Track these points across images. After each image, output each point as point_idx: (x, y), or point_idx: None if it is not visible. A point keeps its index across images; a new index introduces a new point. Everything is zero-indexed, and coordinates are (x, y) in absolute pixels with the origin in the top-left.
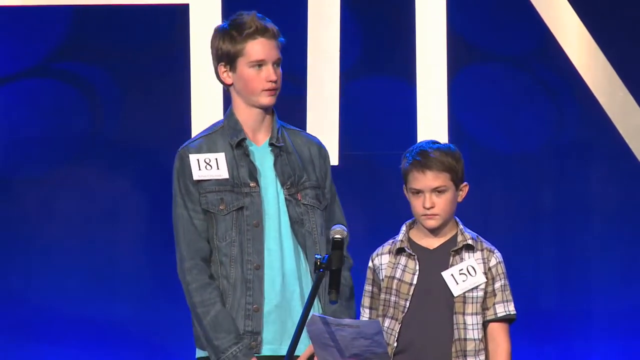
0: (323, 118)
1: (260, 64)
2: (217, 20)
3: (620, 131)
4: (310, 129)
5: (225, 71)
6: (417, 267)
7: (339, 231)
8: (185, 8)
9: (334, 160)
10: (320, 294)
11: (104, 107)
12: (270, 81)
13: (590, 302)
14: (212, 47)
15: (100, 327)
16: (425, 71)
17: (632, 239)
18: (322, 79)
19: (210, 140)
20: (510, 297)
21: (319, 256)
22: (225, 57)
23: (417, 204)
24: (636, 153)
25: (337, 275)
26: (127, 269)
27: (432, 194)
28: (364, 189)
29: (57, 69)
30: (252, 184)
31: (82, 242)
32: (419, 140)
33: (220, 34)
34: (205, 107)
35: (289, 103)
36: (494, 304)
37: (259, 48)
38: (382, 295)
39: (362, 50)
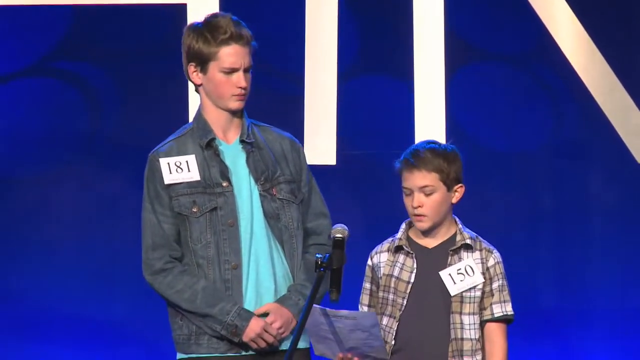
0: (321, 117)
1: (231, 70)
2: None
3: (618, 131)
4: (308, 128)
5: (195, 71)
6: (415, 266)
7: (339, 230)
8: (182, 7)
9: (331, 159)
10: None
11: (102, 107)
12: (240, 87)
13: (588, 302)
14: (183, 44)
15: (98, 327)
16: (423, 70)
17: (630, 238)
18: (319, 78)
19: (180, 142)
20: (508, 298)
21: (319, 255)
22: (196, 58)
23: (408, 203)
24: (634, 152)
25: (338, 275)
26: (125, 269)
27: (420, 194)
28: (362, 188)
29: (55, 68)
30: (224, 184)
31: (80, 241)
32: (416, 140)
33: (193, 33)
34: None
35: (287, 103)
36: (491, 304)
37: (232, 54)
38: (380, 293)
39: (360, 49)
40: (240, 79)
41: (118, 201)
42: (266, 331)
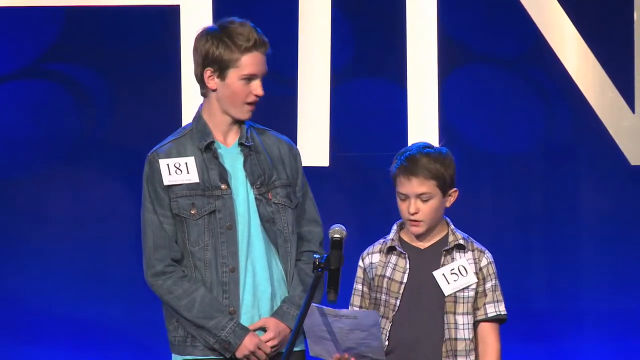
0: (314, 119)
1: (250, 78)
2: (207, 21)
3: (611, 132)
4: (301, 130)
5: (211, 77)
6: (408, 266)
7: (337, 230)
8: (176, 9)
9: (324, 161)
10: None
11: (95, 109)
12: (256, 95)
13: (580, 303)
14: (199, 48)
15: (91, 328)
16: (416, 73)
17: (622, 240)
18: (313, 80)
19: (179, 144)
20: (500, 298)
21: (317, 256)
22: (215, 64)
23: (403, 209)
24: (626, 154)
25: (336, 275)
26: (118, 270)
27: (417, 200)
28: (355, 190)
29: (48, 70)
30: (223, 187)
31: (72, 243)
32: (409, 142)
33: (212, 38)
34: (195, 108)
35: (280, 104)
36: (484, 304)
37: (253, 62)
38: (373, 294)
39: (353, 51)
40: (258, 87)
41: (111, 203)
42: (260, 348)
